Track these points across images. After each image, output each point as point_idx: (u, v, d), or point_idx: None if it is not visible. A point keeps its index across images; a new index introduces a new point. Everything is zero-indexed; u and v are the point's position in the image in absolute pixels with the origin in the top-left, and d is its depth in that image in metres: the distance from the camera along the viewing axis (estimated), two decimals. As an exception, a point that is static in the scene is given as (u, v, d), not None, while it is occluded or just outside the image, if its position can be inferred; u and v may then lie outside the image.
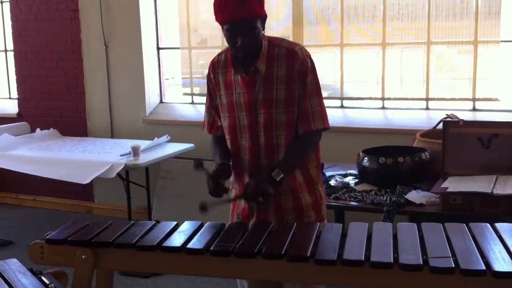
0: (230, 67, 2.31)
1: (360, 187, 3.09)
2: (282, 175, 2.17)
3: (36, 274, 2.16)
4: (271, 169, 2.19)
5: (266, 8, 2.24)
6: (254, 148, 2.29)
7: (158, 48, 5.26)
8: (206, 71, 2.42)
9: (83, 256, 2.00)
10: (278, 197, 2.29)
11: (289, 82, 2.23)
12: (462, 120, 3.15)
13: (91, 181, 4.21)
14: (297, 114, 2.25)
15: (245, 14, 2.12)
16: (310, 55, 2.29)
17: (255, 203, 2.14)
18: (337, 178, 3.24)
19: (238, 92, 2.29)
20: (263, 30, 2.24)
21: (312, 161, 2.35)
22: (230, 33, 2.18)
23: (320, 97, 2.29)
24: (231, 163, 2.35)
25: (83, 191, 5.39)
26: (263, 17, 2.21)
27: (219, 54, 2.39)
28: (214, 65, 2.38)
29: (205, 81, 2.46)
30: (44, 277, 2.14)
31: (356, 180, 3.20)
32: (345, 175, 3.33)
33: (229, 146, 2.37)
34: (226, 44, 2.27)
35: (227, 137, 2.37)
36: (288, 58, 2.23)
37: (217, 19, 2.20)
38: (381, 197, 2.92)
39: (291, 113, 2.25)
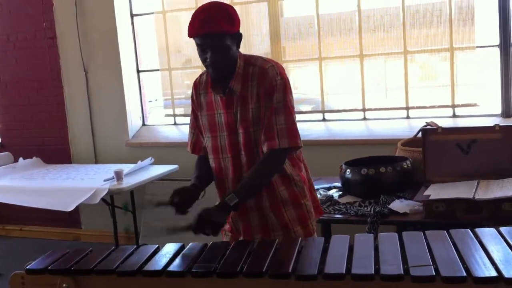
0: (210, 88, 2.31)
1: (344, 199, 3.09)
2: (236, 200, 2.12)
3: (18, 305, 2.13)
4: (228, 193, 2.18)
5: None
6: (236, 167, 2.29)
7: (138, 71, 5.26)
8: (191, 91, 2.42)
9: (64, 285, 1.97)
10: (263, 215, 2.30)
11: (259, 100, 2.21)
12: (441, 127, 3.17)
13: (77, 208, 4.17)
14: (262, 131, 2.22)
15: (210, 28, 2.11)
16: (282, 73, 2.23)
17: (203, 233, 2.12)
18: (321, 192, 3.24)
19: (219, 112, 2.29)
20: (237, 48, 2.23)
21: (294, 177, 2.32)
22: (199, 48, 2.18)
23: (287, 116, 2.20)
24: (204, 189, 2.35)
25: (69, 219, 5.33)
26: (234, 34, 2.19)
27: (201, 75, 2.39)
28: (196, 86, 2.38)
29: (188, 101, 2.46)
30: (26, 308, 2.11)
31: (340, 193, 3.20)
32: (329, 188, 3.33)
33: (212, 165, 2.37)
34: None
35: (210, 156, 2.37)
36: (260, 76, 2.21)
37: (188, 34, 2.20)
38: (365, 208, 2.92)
39: None
